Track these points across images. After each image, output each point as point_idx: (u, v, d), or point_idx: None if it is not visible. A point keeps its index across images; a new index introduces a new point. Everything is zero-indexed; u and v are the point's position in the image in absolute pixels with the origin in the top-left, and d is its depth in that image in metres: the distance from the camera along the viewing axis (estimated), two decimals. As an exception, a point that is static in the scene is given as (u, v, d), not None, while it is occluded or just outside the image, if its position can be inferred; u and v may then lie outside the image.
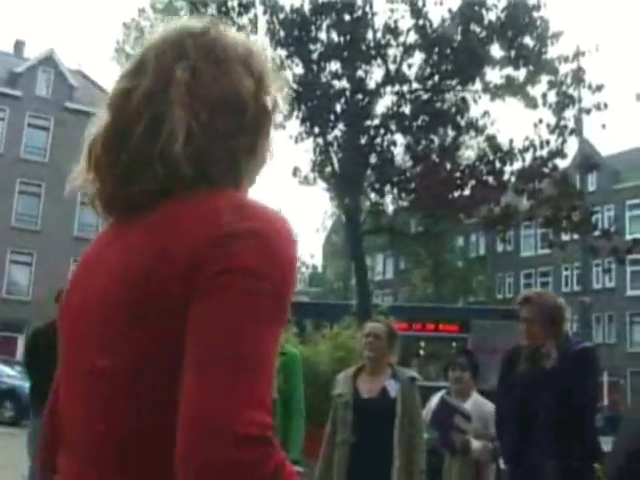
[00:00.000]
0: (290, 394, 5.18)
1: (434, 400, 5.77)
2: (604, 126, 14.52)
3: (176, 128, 1.26)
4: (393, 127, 15.33)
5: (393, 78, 14.83)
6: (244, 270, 1.14)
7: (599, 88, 14.48)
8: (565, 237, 16.44)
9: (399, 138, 15.68)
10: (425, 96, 15.09)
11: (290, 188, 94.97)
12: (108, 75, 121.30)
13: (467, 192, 15.63)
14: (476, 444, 5.47)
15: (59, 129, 41.87)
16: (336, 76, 15.03)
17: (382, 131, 15.34)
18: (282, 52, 15.20)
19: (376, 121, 15.36)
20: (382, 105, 15.61)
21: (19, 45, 47.76)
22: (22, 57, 45.56)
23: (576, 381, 4.14)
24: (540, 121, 14.76)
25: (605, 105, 14.32)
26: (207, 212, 1.21)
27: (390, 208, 17.00)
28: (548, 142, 14.89)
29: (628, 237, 15.04)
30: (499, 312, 30.98)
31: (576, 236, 17.19)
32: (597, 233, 15.57)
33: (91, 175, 1.36)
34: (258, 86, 1.36)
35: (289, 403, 5.18)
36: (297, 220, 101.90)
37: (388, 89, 15.21)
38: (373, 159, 15.49)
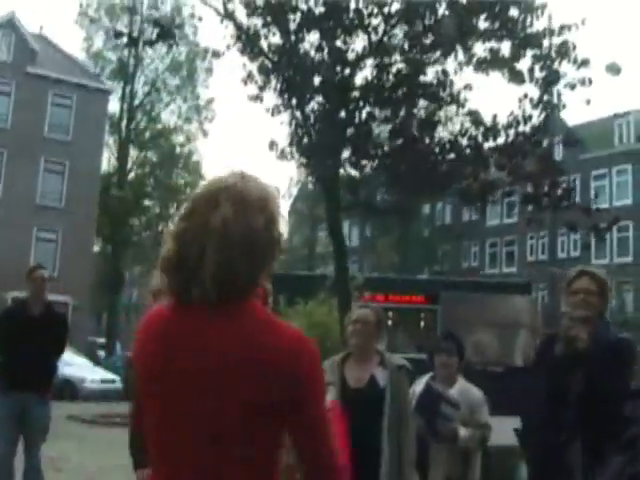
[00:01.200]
0: None
1: (418, 386, 5.63)
2: (589, 102, 14.24)
3: (209, 261, 1.91)
4: (372, 100, 14.90)
5: (375, 50, 14.39)
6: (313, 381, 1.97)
7: (584, 63, 14.20)
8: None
9: (378, 112, 15.22)
10: (406, 69, 14.66)
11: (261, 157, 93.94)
12: (70, 39, 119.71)
13: (445, 167, 15.34)
14: (463, 432, 5.45)
15: (20, 94, 41.03)
16: (315, 47, 14.54)
17: (361, 104, 14.91)
18: (258, 21, 14.71)
19: (355, 93, 14.91)
20: (361, 77, 15.14)
21: (-21, 8, 46.61)
22: (-18, 21, 44.45)
23: (606, 371, 4.04)
24: (525, 96, 14.46)
25: (590, 81, 14.04)
26: (271, 327, 1.97)
27: (366, 183, 16.64)
28: (531, 117, 14.61)
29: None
30: (465, 283, 31.29)
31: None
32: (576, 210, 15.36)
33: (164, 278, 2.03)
34: (268, 222, 1.98)
35: None
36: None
37: (369, 62, 14.78)
38: (351, 132, 15.07)
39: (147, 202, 51.38)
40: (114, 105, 47.98)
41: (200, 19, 19.27)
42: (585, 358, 4.10)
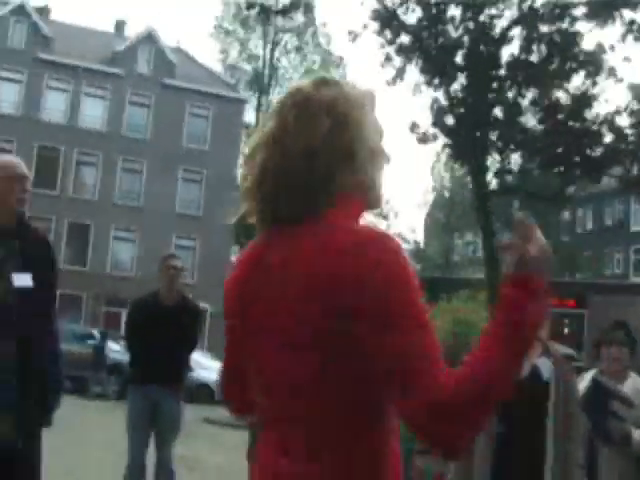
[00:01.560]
0: None
1: (583, 382, 5.03)
2: None
3: (269, 175, 1.70)
4: (520, 77, 14.03)
5: (522, 19, 13.49)
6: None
7: None
8: None
9: (527, 91, 14.32)
10: (557, 39, 13.70)
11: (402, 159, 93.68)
12: (207, 51, 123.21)
13: (603, 149, 14.26)
14: (638, 434, 4.83)
15: (160, 106, 42.22)
16: (458, 21, 13.80)
17: (508, 83, 14.06)
18: (397, -1, 14.06)
19: (502, 71, 14.08)
20: (508, 54, 14.27)
21: (120, 24, 48.51)
22: (123, 36, 46.11)
23: None
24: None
25: None
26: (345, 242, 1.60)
27: (517, 168, 15.72)
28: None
29: None
30: (616, 287, 29.87)
31: None
32: None
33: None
34: (337, 125, 1.68)
35: None
36: (399, 196, 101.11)
37: (516, 32, 13.89)
38: (499, 113, 14.23)
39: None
40: (250, 115, 48.62)
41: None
42: None
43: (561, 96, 14.36)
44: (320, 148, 1.66)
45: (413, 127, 14.25)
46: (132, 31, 46.66)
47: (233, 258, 47.05)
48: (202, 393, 24.80)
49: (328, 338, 1.58)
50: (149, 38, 44.34)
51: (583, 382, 5.02)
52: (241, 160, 47.70)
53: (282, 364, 1.65)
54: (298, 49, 47.58)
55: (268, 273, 1.69)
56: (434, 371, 1.52)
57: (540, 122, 14.73)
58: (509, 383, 1.64)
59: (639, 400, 4.90)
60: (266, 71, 49.11)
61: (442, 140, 14.71)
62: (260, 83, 49.17)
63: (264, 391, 1.73)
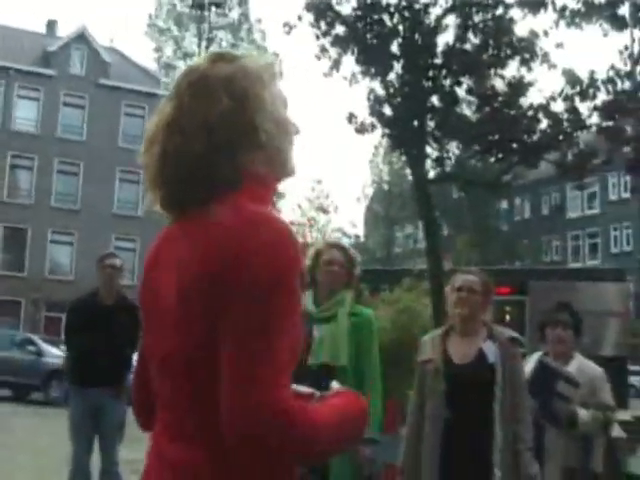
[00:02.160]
0: (364, 361, 4.36)
1: (530, 363, 5.07)
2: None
3: (165, 159, 1.64)
4: (456, 66, 14.06)
5: (456, 7, 13.53)
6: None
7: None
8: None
9: (463, 78, 14.35)
10: (491, 27, 13.75)
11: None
12: (141, 50, 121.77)
13: (539, 135, 14.36)
14: (584, 414, 4.87)
15: (94, 106, 41.63)
16: (392, 10, 13.76)
17: (444, 71, 14.09)
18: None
19: (437, 60, 14.10)
20: (443, 42, 14.29)
21: (51, 24, 47.67)
22: (55, 36, 45.40)
23: None
24: (626, 48, 13.43)
25: None
26: (225, 230, 1.55)
27: (454, 156, 15.76)
28: (632, 73, 13.56)
29: None
30: (556, 272, 30.27)
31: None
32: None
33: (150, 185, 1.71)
34: (238, 101, 1.63)
35: (362, 372, 4.33)
36: (338, 190, 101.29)
37: (450, 20, 13.92)
38: (436, 102, 14.24)
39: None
40: (186, 113, 48.02)
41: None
42: None
43: (497, 83, 14.43)
44: (219, 125, 1.61)
45: (351, 118, 14.21)
46: (64, 31, 45.90)
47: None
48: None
49: (204, 322, 1.55)
50: (82, 38, 43.72)
51: (529, 364, 5.03)
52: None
53: (164, 345, 1.64)
54: (233, 46, 47.25)
55: (166, 264, 1.66)
56: (272, 381, 1.48)
57: (477, 110, 14.80)
58: (320, 454, 1.63)
59: (584, 380, 4.91)
60: (201, 68, 48.65)
61: (380, 131, 14.67)
62: (196, 81, 48.69)
63: (154, 374, 1.72)
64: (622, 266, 35.95)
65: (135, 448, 8.44)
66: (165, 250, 1.69)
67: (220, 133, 1.60)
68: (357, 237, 59.79)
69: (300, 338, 1.63)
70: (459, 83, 14.29)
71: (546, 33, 13.85)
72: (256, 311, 1.49)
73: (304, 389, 1.74)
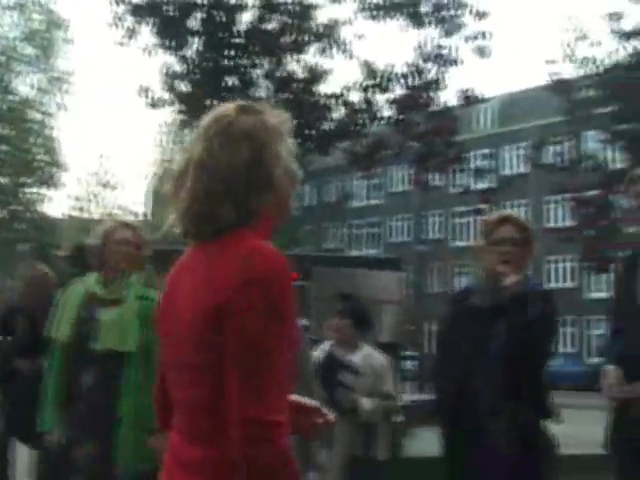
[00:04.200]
0: (154, 348, 3.97)
1: (319, 352, 5.26)
2: (484, 52, 13.61)
3: (185, 195, 1.90)
4: (256, 47, 13.80)
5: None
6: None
7: (483, 15, 13.67)
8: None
9: (262, 61, 14.14)
10: (293, 10, 13.61)
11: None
12: None
13: (333, 123, 14.43)
14: (366, 403, 5.06)
15: None
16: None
17: (243, 51, 13.80)
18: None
19: (238, 40, 13.79)
20: (245, 22, 13.98)
21: None
22: None
23: (532, 323, 3.73)
24: (419, 46, 13.74)
25: (490, 34, 13.55)
26: (230, 262, 1.82)
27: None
28: (422, 71, 13.92)
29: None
30: (337, 259, 30.94)
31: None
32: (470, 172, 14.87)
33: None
34: (256, 153, 1.88)
35: (152, 359, 3.98)
36: (125, 167, 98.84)
37: (252, 2, 13.66)
38: (232, 82, 13.93)
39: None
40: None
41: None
42: (511, 308, 3.75)
43: (295, 69, 14.35)
44: (240, 173, 1.85)
45: (143, 91, 13.62)
46: None
47: None
48: None
49: (213, 341, 1.80)
50: None
51: (319, 353, 5.17)
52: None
53: (179, 357, 1.90)
54: (21, 7, 44.58)
55: (184, 288, 1.92)
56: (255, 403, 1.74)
57: (274, 94, 14.65)
58: None
59: (369, 370, 5.03)
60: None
61: (172, 108, 14.19)
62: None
63: (171, 382, 2.00)
64: (400, 256, 37.39)
65: None
66: (184, 275, 1.96)
67: (240, 180, 1.85)
68: (145, 216, 58.50)
69: (293, 359, 1.90)
70: (257, 65, 14.05)
71: (347, 22, 13.93)
72: (253, 333, 1.75)
73: (309, 401, 2.12)
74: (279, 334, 1.77)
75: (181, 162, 1.96)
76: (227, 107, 1.95)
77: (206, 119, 1.93)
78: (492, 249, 3.89)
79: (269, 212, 1.92)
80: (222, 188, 1.85)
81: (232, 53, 13.79)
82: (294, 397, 2.04)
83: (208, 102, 13.38)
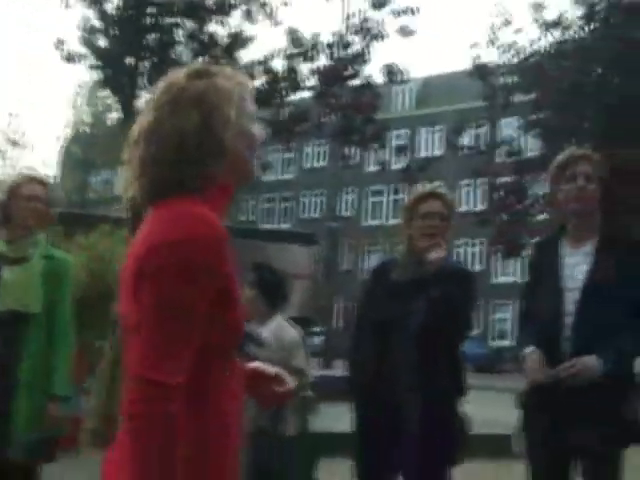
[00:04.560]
0: (56, 310, 3.97)
1: None
2: (406, 31, 13.51)
3: (136, 161, 1.89)
4: (179, 8, 13.37)
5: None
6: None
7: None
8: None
9: (184, 23, 13.72)
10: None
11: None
12: None
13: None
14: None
15: None
16: None
17: (165, 10, 13.35)
18: None
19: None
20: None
21: None
22: None
23: (453, 299, 3.71)
24: (348, 17, 13.56)
25: (418, 10, 13.45)
26: (153, 225, 1.83)
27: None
28: (348, 43, 13.75)
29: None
30: (250, 232, 30.78)
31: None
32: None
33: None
34: (207, 118, 1.85)
35: (54, 321, 3.96)
36: (36, 127, 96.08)
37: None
38: (152, 41, 13.48)
39: None
40: None
41: None
42: (433, 283, 3.71)
43: (218, 32, 13.97)
44: (189, 139, 1.83)
45: (59, 44, 13.06)
46: None
47: None
48: None
49: (133, 306, 1.80)
50: None
51: None
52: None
53: (122, 310, 1.90)
54: None
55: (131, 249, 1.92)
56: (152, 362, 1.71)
57: (194, 57, 14.24)
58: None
59: (278, 343, 4.91)
60: None
61: (88, 68, 13.66)
62: None
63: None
64: (311, 231, 37.34)
65: None
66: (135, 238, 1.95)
67: (189, 145, 1.83)
68: (54, 179, 57.04)
69: (237, 320, 1.92)
70: (178, 25, 13.62)
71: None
72: (159, 294, 1.73)
73: (269, 369, 2.19)
74: (191, 296, 1.75)
75: (134, 130, 1.91)
76: (178, 73, 1.92)
77: (158, 86, 1.91)
78: (418, 223, 3.82)
79: (224, 178, 1.90)
80: (171, 155, 1.83)
81: (154, 11, 13.31)
82: (255, 364, 2.12)
83: (127, 60, 12.99)
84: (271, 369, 2.21)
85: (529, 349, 3.58)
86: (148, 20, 13.36)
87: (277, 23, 13.90)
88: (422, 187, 4.19)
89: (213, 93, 1.87)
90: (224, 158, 1.87)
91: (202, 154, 1.85)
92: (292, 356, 4.94)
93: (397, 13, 13.68)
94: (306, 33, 14.10)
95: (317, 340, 28.72)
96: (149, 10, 13.31)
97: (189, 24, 13.86)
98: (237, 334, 1.95)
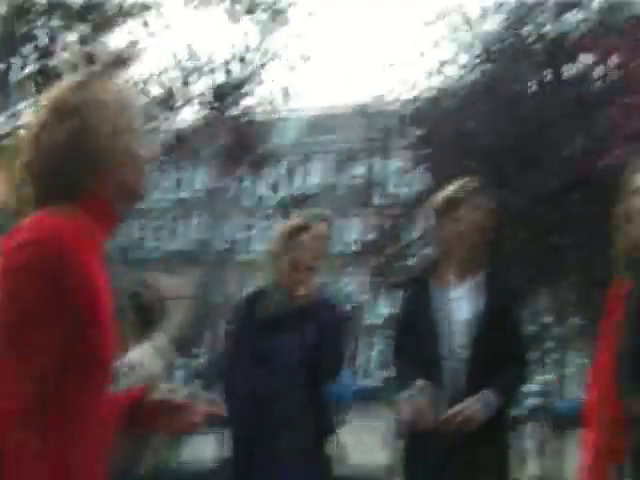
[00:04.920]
0: None
1: None
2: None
3: (19, 169, 1.91)
4: (57, 17, 12.84)
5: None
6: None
7: (310, 14, 13.64)
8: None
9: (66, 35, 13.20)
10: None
11: None
12: None
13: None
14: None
15: None
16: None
17: (45, 20, 12.84)
18: None
19: (40, 7, 12.81)
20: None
21: None
22: None
23: (331, 332, 3.72)
24: (246, 34, 13.42)
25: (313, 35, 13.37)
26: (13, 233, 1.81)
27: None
28: (244, 59, 13.57)
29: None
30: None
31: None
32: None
33: None
34: (78, 132, 1.83)
35: None
36: None
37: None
38: (27, 50, 12.93)
39: None
40: None
41: None
42: (307, 316, 3.72)
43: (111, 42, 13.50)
44: (64, 149, 1.83)
45: None
46: None
47: None
48: None
49: None
50: None
51: None
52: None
53: None
54: None
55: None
56: None
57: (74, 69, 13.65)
58: None
59: (136, 372, 4.67)
60: None
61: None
62: None
63: None
64: (193, 255, 36.42)
65: None
66: None
67: (62, 157, 1.83)
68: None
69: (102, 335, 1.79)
70: (55, 38, 13.09)
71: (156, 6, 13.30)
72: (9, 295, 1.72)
73: (177, 398, 2.02)
74: (26, 298, 1.70)
75: (24, 134, 1.99)
76: (63, 83, 1.90)
77: (44, 95, 1.93)
78: (291, 256, 3.77)
79: (101, 191, 1.87)
80: (46, 165, 1.84)
81: (31, 17, 12.78)
82: (162, 393, 2.04)
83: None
84: (178, 398, 2.06)
85: (406, 396, 3.39)
86: (24, 28, 12.83)
87: (159, 44, 13.56)
88: (296, 219, 4.08)
89: (91, 106, 1.85)
90: (96, 171, 1.85)
91: (74, 166, 1.84)
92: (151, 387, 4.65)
93: (293, 37, 13.64)
94: (204, 51, 13.89)
95: (198, 363, 28.22)
96: (26, 17, 12.79)
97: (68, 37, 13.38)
98: (98, 355, 1.80)
